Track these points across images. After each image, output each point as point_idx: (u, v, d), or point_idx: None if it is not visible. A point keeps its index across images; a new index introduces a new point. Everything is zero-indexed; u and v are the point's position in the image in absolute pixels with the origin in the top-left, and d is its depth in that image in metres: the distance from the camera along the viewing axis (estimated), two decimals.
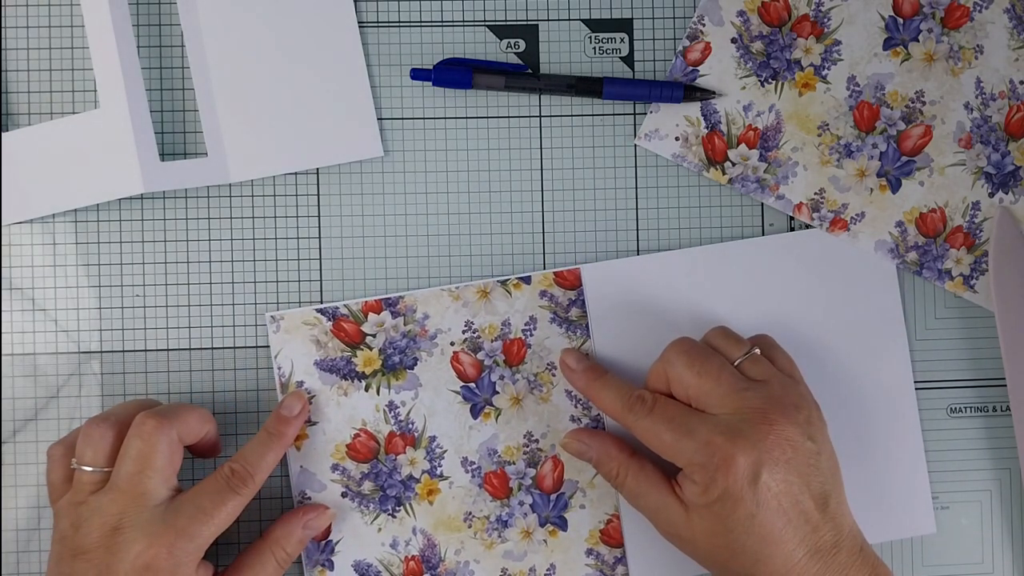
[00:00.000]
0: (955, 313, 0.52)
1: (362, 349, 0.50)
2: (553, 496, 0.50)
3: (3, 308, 0.50)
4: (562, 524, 0.50)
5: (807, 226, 0.52)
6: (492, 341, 0.50)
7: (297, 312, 0.50)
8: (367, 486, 0.50)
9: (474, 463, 0.50)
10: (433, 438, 0.50)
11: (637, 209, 0.52)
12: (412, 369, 0.50)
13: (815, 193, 0.51)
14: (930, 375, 0.52)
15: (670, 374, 0.46)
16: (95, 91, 0.50)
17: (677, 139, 0.51)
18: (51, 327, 0.50)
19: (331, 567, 0.50)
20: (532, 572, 0.50)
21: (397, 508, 0.50)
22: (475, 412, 0.50)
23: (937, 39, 0.51)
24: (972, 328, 0.52)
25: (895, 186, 0.52)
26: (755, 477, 0.43)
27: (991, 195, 0.52)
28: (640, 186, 0.52)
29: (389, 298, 0.50)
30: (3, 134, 0.48)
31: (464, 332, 0.50)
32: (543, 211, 0.51)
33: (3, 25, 0.50)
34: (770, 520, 0.43)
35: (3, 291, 0.50)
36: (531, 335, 0.50)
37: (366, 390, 0.50)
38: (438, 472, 0.50)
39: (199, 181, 0.50)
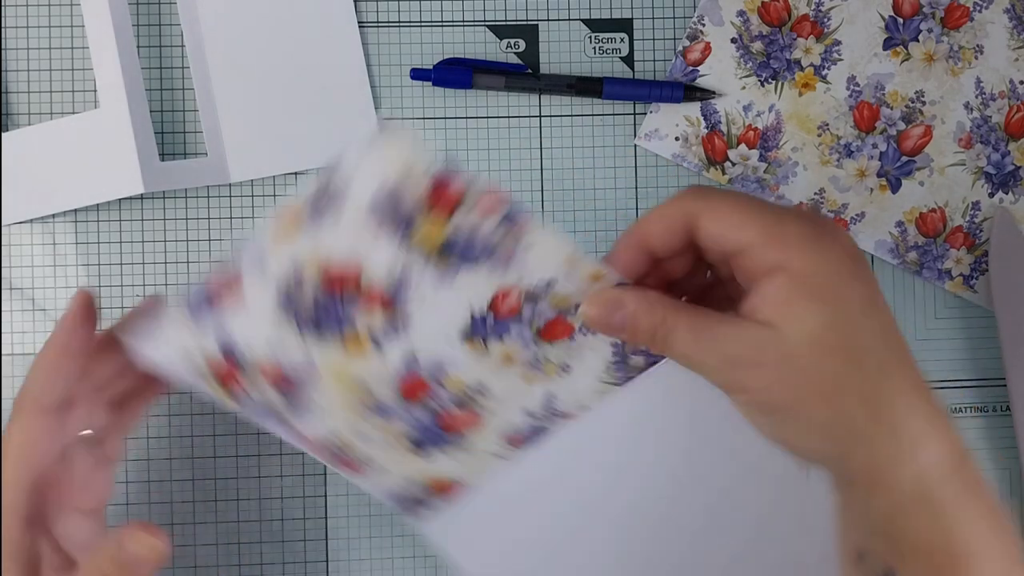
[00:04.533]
0: (955, 313, 0.52)
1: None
2: None
3: (3, 308, 0.50)
4: None
5: None
6: None
7: None
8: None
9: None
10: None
11: (637, 209, 0.52)
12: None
13: (815, 193, 0.51)
14: (930, 375, 0.52)
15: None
16: (95, 91, 0.50)
17: (677, 139, 0.51)
18: (51, 327, 0.50)
19: None
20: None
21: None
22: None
23: (937, 39, 0.51)
24: (972, 328, 0.52)
25: (895, 186, 0.52)
26: (861, 259, 0.34)
27: (991, 195, 0.52)
28: (640, 186, 0.52)
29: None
30: (3, 134, 0.48)
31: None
32: (543, 211, 0.51)
33: (3, 25, 0.50)
34: (891, 318, 0.33)
35: (3, 291, 0.50)
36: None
37: None
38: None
39: (199, 181, 0.49)
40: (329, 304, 0.39)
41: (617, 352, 0.41)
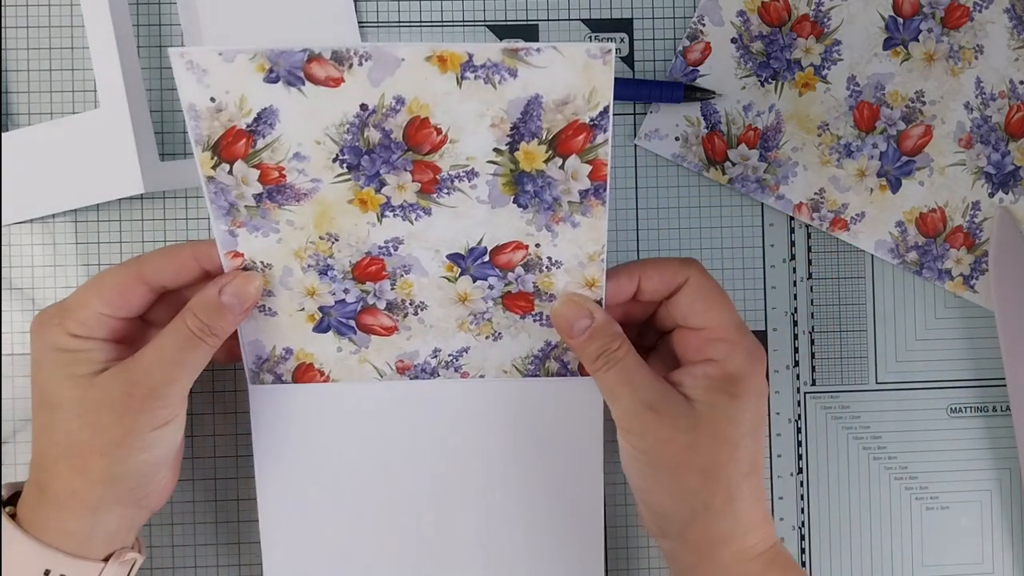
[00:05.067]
0: (955, 313, 0.52)
1: None
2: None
3: (3, 308, 0.50)
4: None
5: (808, 226, 0.52)
6: None
7: None
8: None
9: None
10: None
11: (637, 209, 0.52)
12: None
13: (815, 193, 0.51)
14: (930, 375, 0.52)
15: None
16: (95, 91, 0.50)
17: (677, 139, 0.51)
18: None
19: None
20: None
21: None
22: None
23: (937, 39, 0.51)
24: (972, 328, 0.52)
25: (895, 186, 0.52)
26: (768, 391, 0.44)
27: (991, 195, 0.52)
28: (640, 186, 0.52)
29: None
30: (3, 134, 0.48)
31: None
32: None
33: (3, 25, 0.50)
34: (762, 441, 0.44)
35: (3, 291, 0.50)
36: None
37: None
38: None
39: (199, 181, 0.49)
40: (386, 150, 0.40)
41: (544, 350, 0.45)
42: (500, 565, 0.47)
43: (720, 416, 0.42)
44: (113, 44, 0.46)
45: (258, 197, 0.41)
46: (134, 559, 0.43)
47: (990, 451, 0.52)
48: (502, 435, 0.47)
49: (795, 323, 0.52)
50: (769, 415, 0.52)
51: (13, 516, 0.42)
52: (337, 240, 0.42)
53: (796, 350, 0.52)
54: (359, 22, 0.51)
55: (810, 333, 0.52)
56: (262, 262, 0.42)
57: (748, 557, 0.42)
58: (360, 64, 0.38)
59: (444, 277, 0.43)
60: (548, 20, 0.51)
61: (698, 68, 0.51)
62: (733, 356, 0.42)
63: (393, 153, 0.40)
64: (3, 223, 0.49)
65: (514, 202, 0.42)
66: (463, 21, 0.51)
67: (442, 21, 0.51)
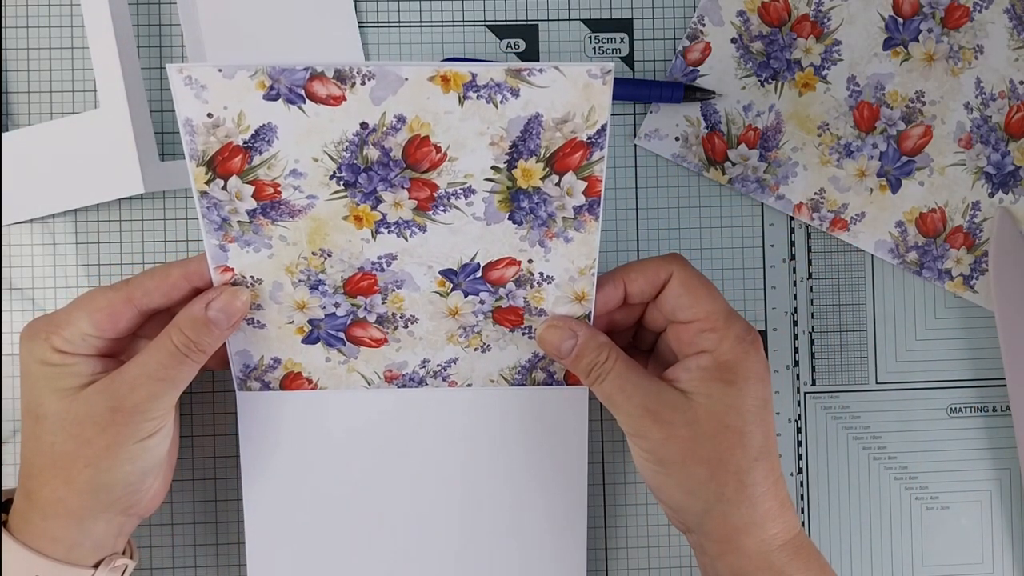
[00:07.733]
0: (955, 313, 0.52)
1: None
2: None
3: (3, 308, 0.50)
4: None
5: (808, 226, 0.52)
6: None
7: None
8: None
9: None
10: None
11: (637, 209, 0.52)
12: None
13: (815, 193, 0.51)
14: (930, 375, 0.52)
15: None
16: (95, 91, 0.50)
17: (677, 139, 0.51)
18: None
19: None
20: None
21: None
22: None
23: (937, 39, 0.51)
24: (972, 328, 0.52)
25: (895, 186, 0.52)
26: (768, 372, 0.43)
27: (991, 195, 0.52)
28: (640, 186, 0.52)
29: None
30: (3, 134, 0.48)
31: None
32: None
33: (3, 25, 0.50)
34: (773, 421, 0.43)
35: (3, 291, 0.50)
36: None
37: None
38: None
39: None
40: (384, 168, 0.40)
41: (531, 361, 0.46)
42: (482, 570, 0.47)
43: (718, 405, 0.42)
44: (113, 44, 0.46)
45: (251, 212, 0.41)
46: (125, 565, 0.43)
47: (990, 451, 0.52)
48: (487, 442, 0.47)
49: (795, 323, 0.52)
50: None
51: (4, 523, 0.42)
52: (330, 256, 0.42)
53: (796, 350, 0.52)
54: (359, 22, 0.51)
55: (810, 333, 0.52)
56: (252, 277, 0.43)
57: (772, 547, 0.42)
58: (363, 83, 0.38)
59: (436, 292, 0.44)
60: (548, 20, 0.51)
61: (698, 68, 0.51)
62: (723, 343, 0.42)
63: (391, 171, 0.41)
64: (3, 223, 0.49)
65: (509, 219, 0.42)
66: (463, 21, 0.51)
67: (442, 21, 0.51)
